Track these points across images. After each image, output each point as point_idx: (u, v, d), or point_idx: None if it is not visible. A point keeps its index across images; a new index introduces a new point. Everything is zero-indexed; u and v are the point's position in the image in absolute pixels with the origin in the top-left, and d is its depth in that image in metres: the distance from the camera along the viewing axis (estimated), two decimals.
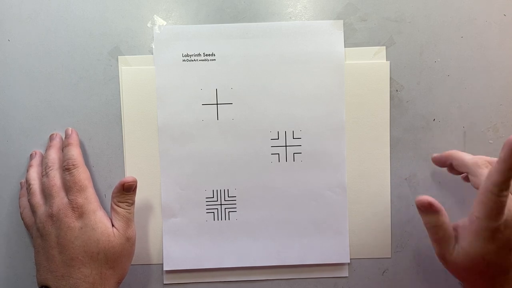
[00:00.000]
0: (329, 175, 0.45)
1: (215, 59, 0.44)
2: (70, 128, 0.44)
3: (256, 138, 0.44)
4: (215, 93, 0.44)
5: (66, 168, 0.40)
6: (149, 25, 0.44)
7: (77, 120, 0.45)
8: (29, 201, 0.41)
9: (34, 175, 0.42)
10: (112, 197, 0.40)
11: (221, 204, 0.45)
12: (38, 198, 0.41)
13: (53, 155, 0.42)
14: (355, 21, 0.44)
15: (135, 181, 0.41)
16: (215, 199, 0.45)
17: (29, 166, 0.43)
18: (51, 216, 0.39)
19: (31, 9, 0.44)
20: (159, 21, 0.44)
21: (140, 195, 0.45)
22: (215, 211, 0.45)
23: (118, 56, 0.44)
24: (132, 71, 0.44)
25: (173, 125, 0.44)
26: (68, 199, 0.39)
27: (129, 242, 0.40)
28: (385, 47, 0.44)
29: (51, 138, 0.44)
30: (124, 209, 0.40)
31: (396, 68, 0.45)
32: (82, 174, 0.40)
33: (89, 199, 0.39)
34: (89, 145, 0.45)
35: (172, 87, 0.44)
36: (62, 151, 0.43)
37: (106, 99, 0.45)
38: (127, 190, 0.40)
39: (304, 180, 0.45)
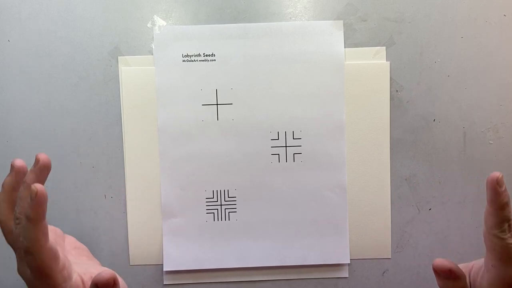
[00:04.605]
0: (329, 175, 0.45)
1: (215, 59, 0.44)
2: (36, 189, 0.28)
3: (256, 139, 0.44)
4: (215, 93, 0.44)
5: (24, 248, 0.30)
6: (149, 25, 0.44)
7: (77, 120, 0.45)
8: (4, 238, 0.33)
9: (3, 206, 0.33)
10: None
11: (221, 205, 0.45)
12: (11, 241, 0.33)
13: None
14: (355, 21, 0.44)
15: (113, 277, 0.30)
16: (215, 199, 0.45)
17: (1, 187, 0.33)
18: (22, 275, 0.32)
19: (31, 9, 0.44)
20: (159, 21, 0.44)
21: (140, 196, 0.45)
22: (215, 211, 0.45)
23: (118, 57, 0.44)
24: (132, 72, 0.44)
25: (173, 125, 0.44)
26: None
27: None
28: (385, 47, 0.44)
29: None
30: None
31: (396, 69, 0.45)
32: (40, 261, 0.30)
33: (51, 284, 0.30)
34: (89, 145, 0.45)
35: (172, 88, 0.44)
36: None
37: (106, 99, 0.45)
38: None
39: (304, 181, 0.45)
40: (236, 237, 0.45)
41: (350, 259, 0.45)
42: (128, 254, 0.45)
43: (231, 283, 0.45)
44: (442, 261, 0.33)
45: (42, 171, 0.32)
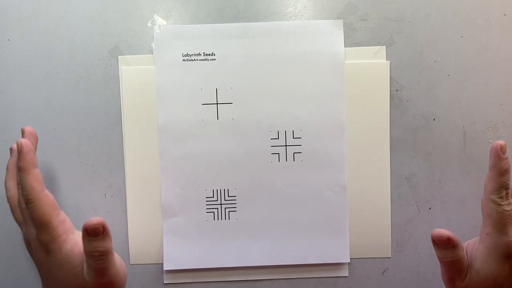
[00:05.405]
0: (329, 175, 0.45)
1: (215, 59, 0.44)
2: (20, 142, 0.34)
3: (256, 138, 0.44)
4: (215, 92, 0.44)
5: (24, 199, 0.34)
6: (149, 24, 0.44)
7: (77, 120, 0.45)
8: (12, 215, 0.38)
9: (10, 184, 0.38)
10: (83, 243, 0.33)
11: (221, 204, 0.45)
12: (18, 214, 0.37)
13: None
14: (355, 20, 0.44)
15: (101, 223, 0.32)
16: (215, 198, 0.45)
17: (6, 168, 0.39)
18: (28, 243, 0.36)
19: (31, 9, 0.44)
20: (159, 20, 0.44)
21: (140, 195, 0.45)
22: (215, 210, 0.45)
23: (118, 56, 0.44)
24: (132, 71, 0.44)
25: (173, 125, 0.44)
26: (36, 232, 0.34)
27: (109, 286, 0.35)
28: (385, 46, 0.44)
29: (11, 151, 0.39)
30: (94, 261, 0.33)
31: (396, 68, 0.45)
32: (40, 209, 0.33)
33: (53, 235, 0.33)
34: (89, 145, 0.45)
35: (172, 87, 0.44)
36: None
37: (106, 99, 0.45)
38: (92, 235, 0.32)
39: (304, 180, 0.45)
40: (236, 236, 0.45)
41: (350, 258, 0.45)
42: (128, 253, 0.45)
43: (231, 282, 0.46)
44: (440, 230, 0.34)
45: (29, 137, 0.37)
